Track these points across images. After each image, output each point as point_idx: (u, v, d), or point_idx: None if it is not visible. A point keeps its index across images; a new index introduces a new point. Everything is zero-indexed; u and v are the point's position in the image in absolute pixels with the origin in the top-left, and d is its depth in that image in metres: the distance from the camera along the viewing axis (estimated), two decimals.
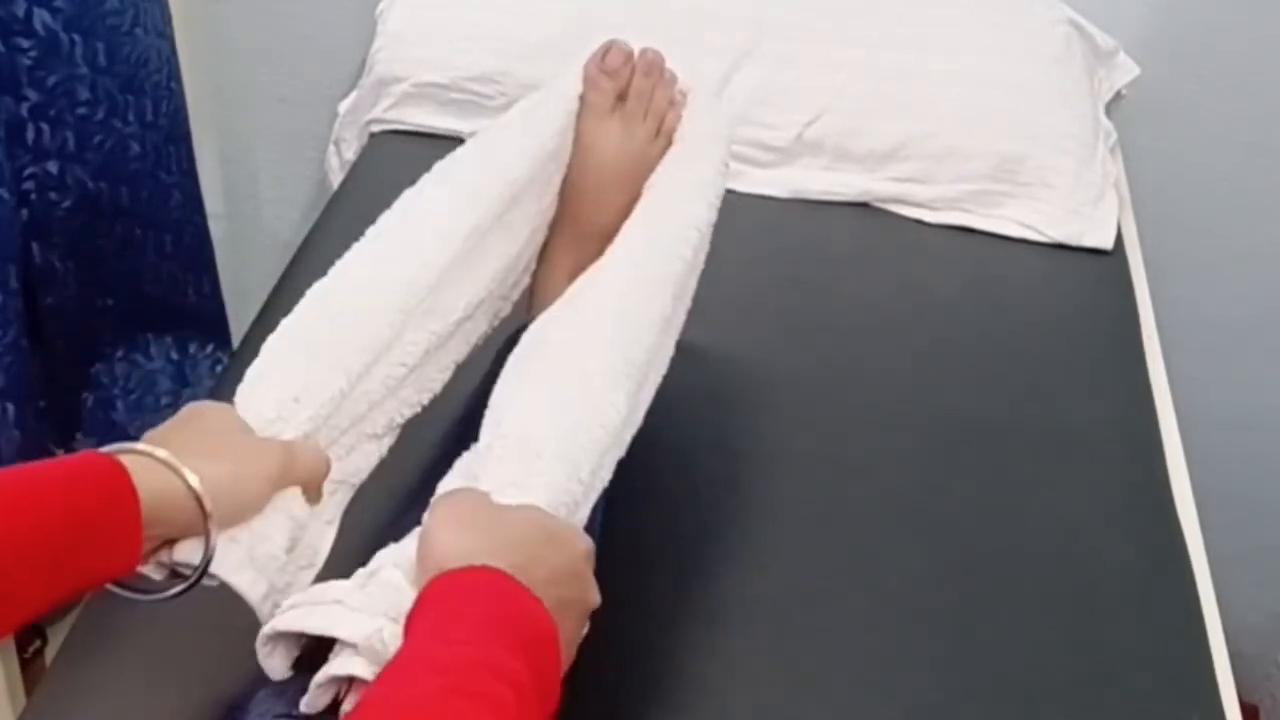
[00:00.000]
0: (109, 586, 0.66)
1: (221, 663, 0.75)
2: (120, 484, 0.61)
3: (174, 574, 0.67)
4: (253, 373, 0.74)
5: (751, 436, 1.11)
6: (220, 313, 1.62)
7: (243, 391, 0.73)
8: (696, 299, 1.21)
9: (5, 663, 1.28)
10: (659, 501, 1.02)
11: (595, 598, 0.67)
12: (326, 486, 0.75)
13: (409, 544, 0.66)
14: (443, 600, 0.59)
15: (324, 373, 0.74)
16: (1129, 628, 0.98)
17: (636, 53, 0.96)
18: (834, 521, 1.04)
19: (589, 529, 0.84)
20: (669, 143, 0.95)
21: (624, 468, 0.98)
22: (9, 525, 0.58)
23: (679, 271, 0.86)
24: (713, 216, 0.91)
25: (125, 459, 0.62)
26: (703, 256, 0.92)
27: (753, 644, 0.93)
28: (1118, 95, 1.54)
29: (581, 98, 0.95)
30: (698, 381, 1.16)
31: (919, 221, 1.42)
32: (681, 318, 0.89)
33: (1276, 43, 1.52)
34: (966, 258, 1.39)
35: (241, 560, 0.67)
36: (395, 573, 0.63)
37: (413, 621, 0.58)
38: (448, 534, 0.63)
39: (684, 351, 1.18)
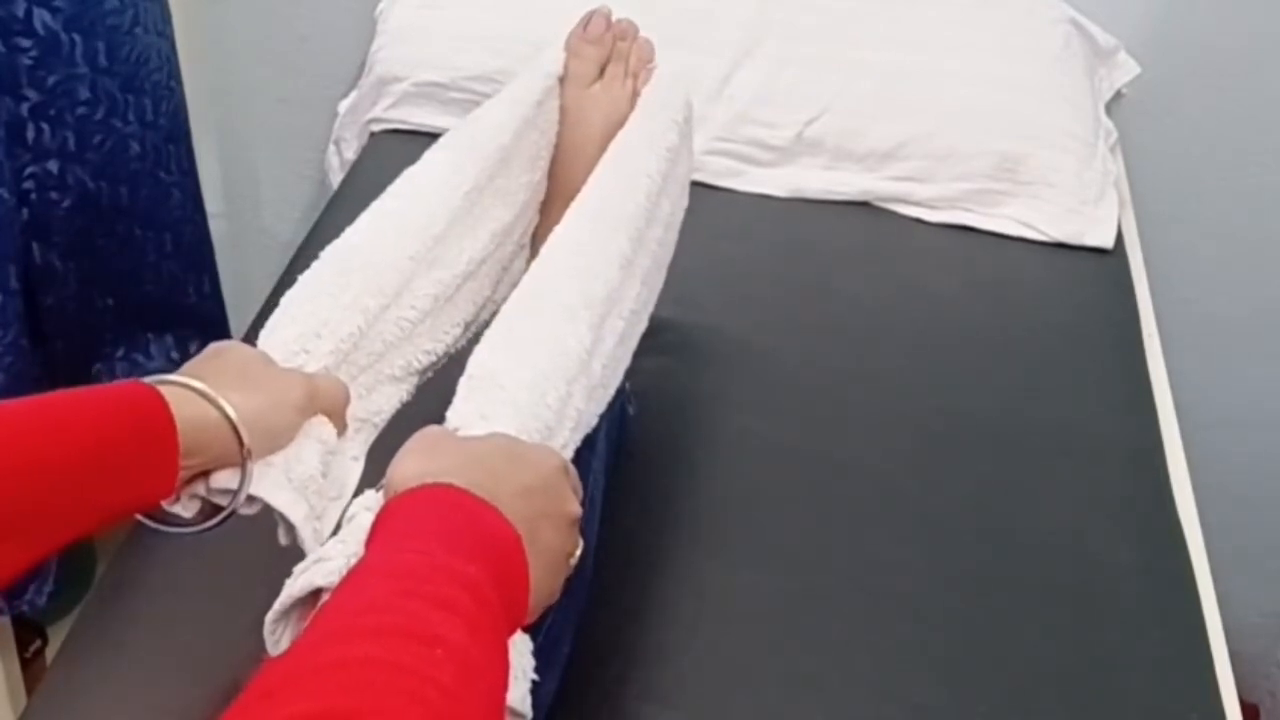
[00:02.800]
0: (143, 519, 0.67)
1: (221, 663, 0.75)
2: (158, 413, 0.62)
3: (208, 511, 0.69)
4: (275, 315, 0.77)
5: (751, 436, 1.11)
6: (220, 312, 1.62)
7: (266, 329, 0.76)
8: (696, 299, 1.22)
9: (5, 663, 1.29)
10: (658, 501, 1.03)
11: (575, 509, 0.66)
12: (351, 424, 0.77)
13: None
14: (397, 515, 0.59)
15: (342, 310, 0.77)
16: (1129, 628, 0.98)
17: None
18: (833, 521, 1.04)
19: (586, 529, 0.84)
20: None
21: (623, 468, 0.98)
22: (48, 449, 0.59)
23: (633, 214, 0.88)
24: (669, 170, 0.94)
25: (163, 389, 0.64)
26: (667, 206, 0.94)
27: (753, 644, 0.93)
28: (1118, 94, 1.54)
29: (565, 71, 0.99)
30: (698, 381, 1.16)
31: (919, 221, 1.42)
32: (646, 263, 0.90)
33: (1276, 42, 1.52)
34: (966, 257, 1.39)
35: (279, 480, 0.69)
36: (368, 516, 0.63)
37: (369, 541, 0.59)
38: (409, 461, 0.64)
39: (684, 351, 1.18)
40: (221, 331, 1.63)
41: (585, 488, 0.75)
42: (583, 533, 0.67)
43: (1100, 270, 1.39)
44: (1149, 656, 0.96)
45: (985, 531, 1.05)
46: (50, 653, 1.41)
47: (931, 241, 1.40)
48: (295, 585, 0.62)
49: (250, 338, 0.77)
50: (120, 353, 1.48)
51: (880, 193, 1.43)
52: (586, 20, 1.00)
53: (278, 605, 0.63)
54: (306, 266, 0.80)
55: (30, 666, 1.40)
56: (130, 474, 0.62)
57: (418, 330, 0.84)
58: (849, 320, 1.27)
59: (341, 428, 0.76)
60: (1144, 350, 1.29)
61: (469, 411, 0.72)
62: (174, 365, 1.63)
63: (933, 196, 1.42)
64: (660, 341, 1.12)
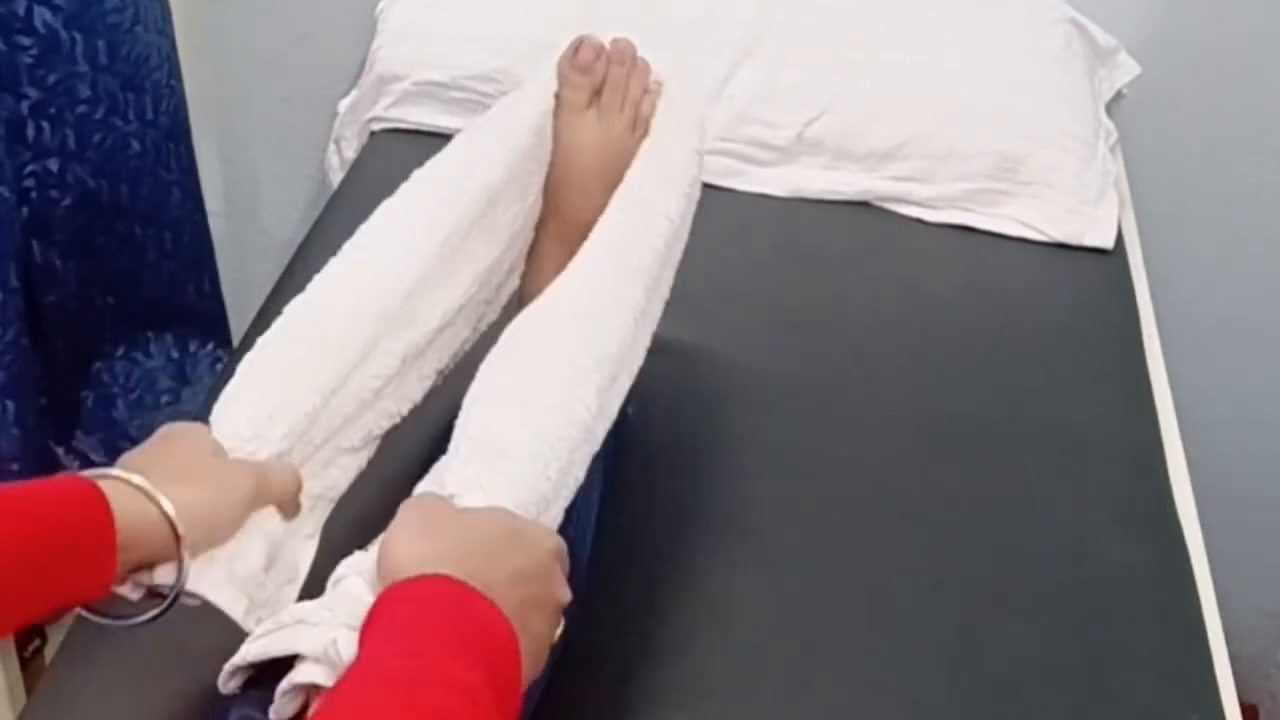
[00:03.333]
0: (83, 612, 0.67)
1: (222, 664, 0.75)
2: (97, 508, 0.62)
3: (152, 595, 0.68)
4: (228, 392, 0.74)
5: (751, 436, 1.11)
6: (220, 311, 1.62)
7: (218, 411, 0.73)
8: (696, 299, 1.21)
9: (5, 663, 1.29)
10: (658, 501, 1.02)
11: (564, 595, 0.66)
12: (305, 502, 0.75)
13: (373, 551, 0.66)
14: (396, 610, 0.59)
15: (298, 390, 0.74)
16: (1129, 628, 0.98)
17: (608, 44, 0.96)
18: (834, 521, 1.04)
19: (582, 529, 0.84)
20: (646, 132, 0.95)
21: (623, 468, 0.98)
22: None
23: (651, 263, 0.85)
24: (687, 206, 0.90)
25: (102, 484, 0.63)
26: (679, 247, 0.91)
27: (753, 644, 0.93)
28: (1118, 94, 1.54)
29: (557, 96, 0.95)
30: (697, 381, 1.16)
31: (919, 221, 1.42)
32: (658, 309, 0.88)
33: (1276, 42, 1.52)
34: (966, 257, 1.39)
35: (220, 578, 0.68)
36: (357, 581, 0.63)
37: (366, 631, 0.58)
38: (405, 540, 0.63)
39: (684, 351, 1.18)
40: (221, 331, 1.63)
41: (584, 489, 0.75)
42: (567, 615, 0.67)
43: (1100, 270, 1.38)
44: (1149, 656, 0.96)
45: (985, 531, 1.05)
46: (50, 653, 1.41)
47: (931, 241, 1.40)
48: (276, 643, 0.62)
49: (250, 338, 0.76)
50: (120, 352, 1.48)
51: (880, 193, 1.43)
52: (576, 47, 0.95)
53: (245, 656, 0.63)
54: (306, 266, 0.79)
55: (30, 666, 1.39)
56: (68, 568, 0.61)
57: (382, 394, 0.81)
58: (849, 320, 1.27)
59: (293, 514, 0.74)
60: (1144, 350, 1.29)
61: (468, 478, 0.69)
62: (174, 363, 1.62)
63: (933, 196, 1.42)
64: (660, 342, 1.12)
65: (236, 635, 0.68)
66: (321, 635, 0.60)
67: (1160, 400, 1.23)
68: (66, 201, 1.31)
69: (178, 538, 0.65)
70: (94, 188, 1.34)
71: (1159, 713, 0.92)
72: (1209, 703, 0.93)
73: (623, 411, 0.99)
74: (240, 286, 1.70)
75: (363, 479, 0.82)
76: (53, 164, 1.29)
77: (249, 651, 0.64)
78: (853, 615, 0.96)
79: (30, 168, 1.27)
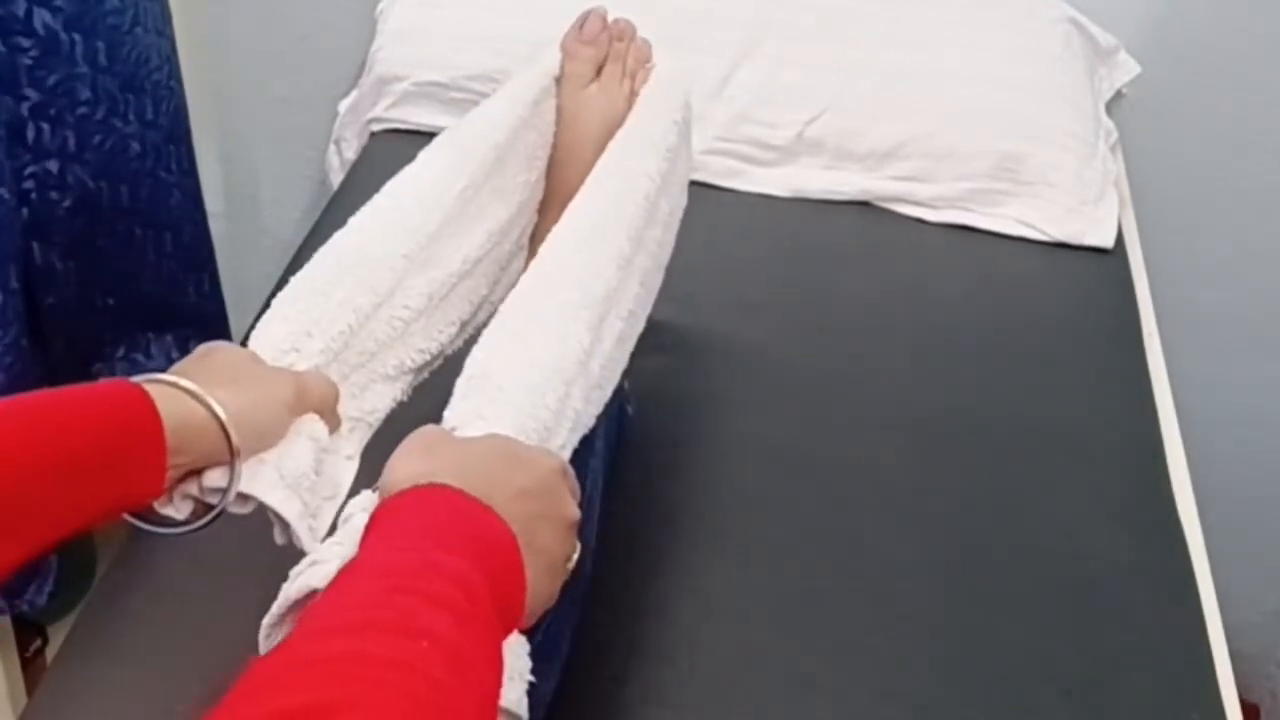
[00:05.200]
0: (132, 520, 0.67)
1: (221, 663, 0.75)
2: (145, 411, 0.62)
3: (200, 510, 0.68)
4: (267, 314, 0.77)
5: (751, 436, 1.11)
6: (220, 312, 1.62)
7: (257, 330, 0.76)
8: (698, 298, 1.22)
9: (5, 663, 1.29)
10: (658, 501, 1.03)
11: (573, 511, 0.66)
12: (345, 423, 0.77)
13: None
14: (389, 515, 0.59)
15: (334, 309, 0.77)
16: (1129, 627, 0.98)
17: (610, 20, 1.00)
18: (834, 521, 1.04)
19: (585, 528, 0.84)
20: None
21: (623, 468, 0.98)
22: (34, 447, 0.59)
23: (632, 214, 0.88)
24: (669, 169, 0.93)
25: (150, 388, 0.64)
26: (665, 206, 0.94)
27: (751, 643, 0.93)
28: (1118, 94, 1.54)
29: (562, 72, 0.98)
30: (697, 381, 1.16)
31: (919, 220, 1.42)
32: (646, 263, 0.90)
33: (1276, 42, 1.52)
34: (967, 257, 1.39)
35: (272, 479, 0.69)
36: (363, 516, 0.63)
37: (362, 541, 0.59)
38: (405, 462, 0.63)
39: (684, 351, 1.18)
40: (221, 331, 1.63)
41: (584, 488, 0.75)
42: (581, 535, 0.67)
43: (1100, 270, 1.39)
44: (1149, 656, 0.96)
45: (985, 531, 1.05)
46: (50, 653, 1.41)
47: (932, 241, 1.41)
48: (292, 588, 0.62)
49: (250, 338, 0.77)
50: (120, 353, 1.48)
51: (880, 192, 1.43)
52: (582, 21, 1.00)
53: (275, 609, 0.63)
54: None
55: (30, 666, 1.39)
56: (118, 472, 0.62)
57: (411, 329, 0.84)
58: (849, 320, 1.27)
59: (334, 425, 0.76)
60: (1144, 350, 1.29)
61: (466, 411, 0.71)
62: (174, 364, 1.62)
63: (933, 196, 1.42)
64: (660, 341, 1.12)
65: (236, 635, 0.68)
66: (330, 569, 0.61)
67: (1160, 400, 1.23)
68: (67, 203, 1.31)
69: (229, 439, 0.65)
70: (94, 189, 1.34)
71: (1159, 712, 0.92)
72: (1209, 702, 0.94)
73: (622, 411, 1.00)
74: (240, 287, 1.70)
75: (401, 422, 0.83)
76: (53, 165, 1.29)
77: (275, 607, 0.64)
78: (853, 615, 0.96)
79: (30, 169, 1.27)
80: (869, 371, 1.20)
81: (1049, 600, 0.99)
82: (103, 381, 0.64)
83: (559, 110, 0.98)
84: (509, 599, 0.58)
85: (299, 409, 0.72)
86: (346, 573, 0.55)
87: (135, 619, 0.93)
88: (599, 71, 0.99)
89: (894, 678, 0.92)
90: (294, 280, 0.79)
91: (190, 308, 1.55)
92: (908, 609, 0.97)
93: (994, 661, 0.94)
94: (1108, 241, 1.40)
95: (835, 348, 1.23)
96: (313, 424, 0.73)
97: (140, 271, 1.46)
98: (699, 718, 0.88)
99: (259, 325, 0.76)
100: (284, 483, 0.69)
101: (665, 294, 0.97)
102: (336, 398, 0.76)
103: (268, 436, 0.69)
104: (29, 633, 1.45)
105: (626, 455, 1.00)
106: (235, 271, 1.72)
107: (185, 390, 0.65)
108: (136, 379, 0.65)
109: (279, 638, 0.65)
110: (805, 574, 0.99)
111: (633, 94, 0.98)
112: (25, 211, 1.28)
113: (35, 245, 1.31)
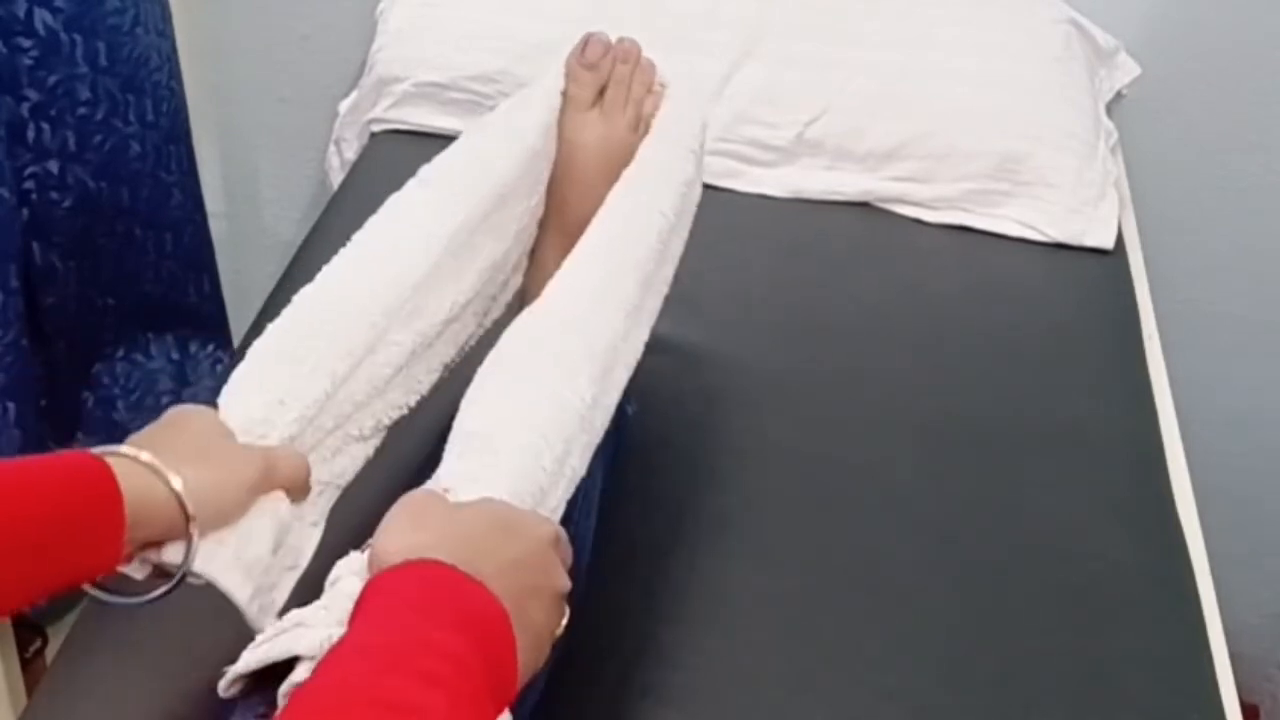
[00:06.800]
0: (90, 590, 0.66)
1: (222, 664, 0.75)
2: (105, 484, 0.62)
3: (157, 575, 0.68)
4: (237, 376, 0.74)
5: (751, 436, 1.11)
6: (220, 312, 1.62)
7: (227, 395, 0.73)
8: (697, 299, 1.22)
9: (5, 663, 1.28)
10: (658, 501, 1.03)
11: (563, 583, 0.65)
12: (313, 488, 0.75)
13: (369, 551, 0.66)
14: (380, 593, 0.58)
15: (308, 375, 0.74)
16: (1129, 628, 0.98)
17: (613, 42, 0.96)
18: (834, 521, 1.04)
19: (583, 529, 0.84)
20: (649, 131, 0.95)
21: (623, 468, 0.98)
22: None
23: (644, 257, 0.85)
24: (682, 204, 0.90)
25: (111, 460, 0.63)
26: (677, 244, 0.91)
27: (753, 644, 0.93)
28: (1119, 95, 1.54)
29: (563, 93, 0.95)
30: (698, 381, 1.16)
31: (919, 221, 1.42)
32: (654, 305, 0.88)
33: (1276, 42, 1.52)
34: (966, 257, 1.39)
35: (229, 561, 0.68)
36: (353, 580, 0.62)
37: (353, 618, 0.58)
38: (396, 534, 0.63)
39: (684, 351, 1.18)
40: (222, 332, 1.63)
41: (584, 490, 0.74)
42: (570, 602, 0.66)
43: (1100, 270, 1.38)
44: (1149, 656, 0.96)
45: (985, 531, 1.05)
46: (50, 653, 1.41)
47: (932, 242, 1.40)
48: (275, 648, 0.61)
49: (250, 339, 0.76)
50: (120, 353, 1.48)
51: (880, 193, 1.43)
52: (584, 44, 0.96)
53: (248, 660, 0.63)
54: (306, 267, 0.80)
55: (30, 666, 1.39)
56: (77, 546, 0.61)
57: (391, 384, 0.81)
58: (849, 320, 1.27)
59: (301, 497, 0.74)
60: (1144, 350, 1.29)
61: (462, 472, 0.69)
62: (174, 365, 1.63)
63: (933, 197, 1.42)
64: (660, 341, 1.12)
65: (237, 636, 0.68)
66: (318, 635, 0.60)
67: (1160, 400, 1.23)
68: (67, 203, 1.31)
69: (187, 516, 0.65)
70: (94, 189, 1.34)
71: (1159, 713, 0.92)
72: (1209, 703, 0.93)
73: (622, 411, 1.00)
74: (240, 287, 1.70)
75: (363, 481, 0.82)
76: (53, 165, 1.29)
77: (250, 659, 0.64)
78: (853, 615, 0.96)
79: (30, 169, 1.27)
80: (868, 372, 1.20)
81: (1049, 601, 0.99)
82: (64, 453, 0.63)
83: (559, 132, 0.95)
84: (502, 675, 0.57)
85: (264, 488, 0.70)
86: (336, 652, 0.54)
87: (135, 619, 0.92)
88: (601, 93, 0.96)
89: (894, 678, 0.92)
90: (270, 330, 0.76)
91: (190, 308, 1.56)
92: (908, 609, 0.97)
93: (994, 661, 0.94)
94: (1108, 242, 1.40)
95: (835, 348, 1.23)
96: (277, 503, 0.71)
97: (140, 272, 1.46)
98: (699, 718, 0.88)
99: (231, 382, 0.73)
100: (239, 566, 0.68)
101: (665, 295, 0.97)
102: (307, 475, 0.74)
103: (229, 515, 0.68)
104: (29, 633, 1.44)
105: (626, 455, 1.00)
106: (235, 271, 1.72)
107: (146, 464, 0.64)
108: (97, 451, 0.64)
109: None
110: (806, 574, 0.99)
111: (638, 119, 0.95)
112: (25, 211, 1.28)
113: (35, 245, 1.31)
